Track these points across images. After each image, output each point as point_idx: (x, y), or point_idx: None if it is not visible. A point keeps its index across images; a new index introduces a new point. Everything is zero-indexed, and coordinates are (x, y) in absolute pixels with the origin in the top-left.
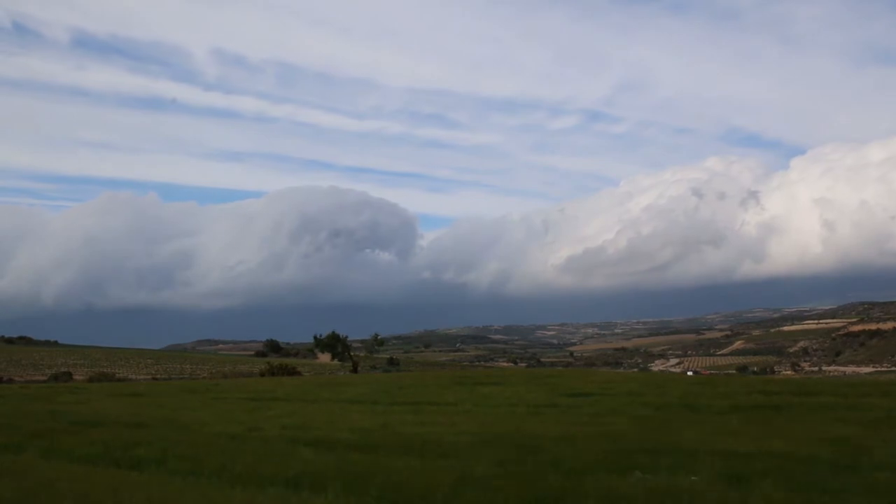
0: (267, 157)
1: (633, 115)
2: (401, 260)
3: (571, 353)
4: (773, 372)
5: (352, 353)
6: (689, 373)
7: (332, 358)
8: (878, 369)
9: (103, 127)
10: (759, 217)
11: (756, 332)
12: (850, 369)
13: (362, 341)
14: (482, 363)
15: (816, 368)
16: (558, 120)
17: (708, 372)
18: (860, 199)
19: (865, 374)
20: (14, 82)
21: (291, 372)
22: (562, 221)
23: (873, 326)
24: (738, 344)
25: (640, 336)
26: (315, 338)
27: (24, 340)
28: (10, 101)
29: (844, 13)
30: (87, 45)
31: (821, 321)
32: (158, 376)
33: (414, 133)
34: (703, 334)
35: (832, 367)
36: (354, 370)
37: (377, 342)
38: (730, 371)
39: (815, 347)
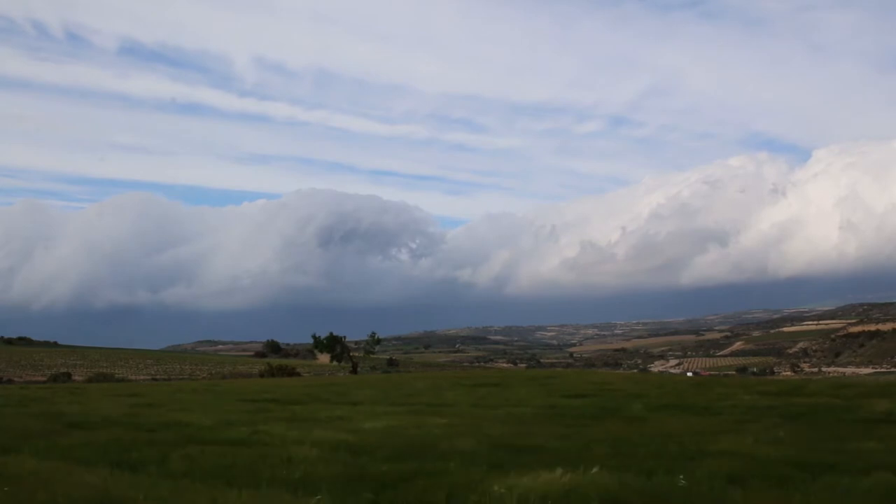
0: (293, 161)
1: (657, 119)
2: (403, 262)
3: (571, 354)
4: (772, 373)
5: (351, 354)
6: (689, 374)
7: (332, 359)
8: (878, 370)
9: (138, 131)
10: (766, 218)
11: (756, 333)
12: (849, 370)
13: (358, 342)
14: (482, 364)
15: (816, 369)
16: (584, 125)
17: (707, 373)
18: (874, 199)
19: (865, 374)
20: (58, 88)
21: (291, 373)
22: (567, 222)
23: (872, 327)
24: (737, 345)
25: (639, 337)
26: (314, 338)
27: (24, 341)
28: (51, 106)
29: (872, 21)
30: (134, 52)
31: (820, 322)
32: (158, 377)
33: (441, 137)
34: (703, 335)
35: (832, 368)
36: (354, 371)
37: (374, 341)
38: (729, 372)
39: (814, 348)
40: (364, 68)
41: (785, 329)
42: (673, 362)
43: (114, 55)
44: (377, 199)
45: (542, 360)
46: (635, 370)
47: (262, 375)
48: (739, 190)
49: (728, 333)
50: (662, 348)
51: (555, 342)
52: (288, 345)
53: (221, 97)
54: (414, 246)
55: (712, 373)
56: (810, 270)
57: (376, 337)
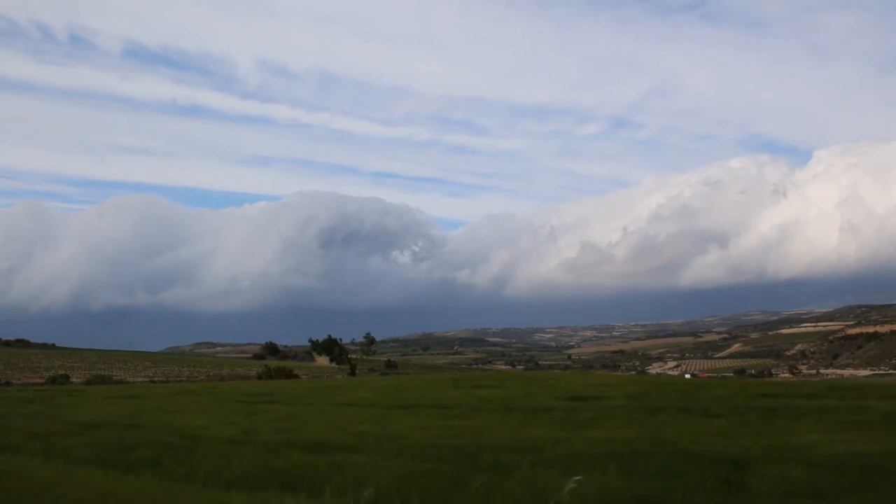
0: (294, 163)
1: (657, 121)
2: (402, 264)
3: (569, 356)
4: (770, 375)
5: (349, 356)
6: (687, 375)
7: (330, 361)
8: (876, 372)
9: (140, 133)
10: (766, 220)
11: (754, 335)
12: (847, 372)
13: (356, 343)
14: (480, 366)
15: (814, 371)
16: (585, 126)
17: (706, 375)
18: (875, 200)
19: (863, 376)
20: (61, 90)
21: (289, 375)
22: (567, 223)
23: (870, 329)
24: (735, 347)
25: (637, 339)
26: (311, 341)
27: (22, 343)
28: (53, 108)
29: (872, 22)
30: (138, 55)
31: (818, 324)
32: (156, 379)
33: (442, 139)
34: (701, 337)
35: (830, 370)
36: (352, 373)
37: (369, 342)
38: (727, 374)
39: (812, 350)
40: (366, 70)
41: (783, 331)
42: (671, 364)
43: (117, 58)
44: (379, 201)
45: (540, 362)
46: (633, 372)
47: (260, 377)
48: (740, 191)
49: (726, 335)
50: (660, 350)
51: (553, 344)
52: (286, 347)
53: (224, 99)
54: (417, 249)
55: (710, 375)
56: (810, 272)
57: (371, 338)
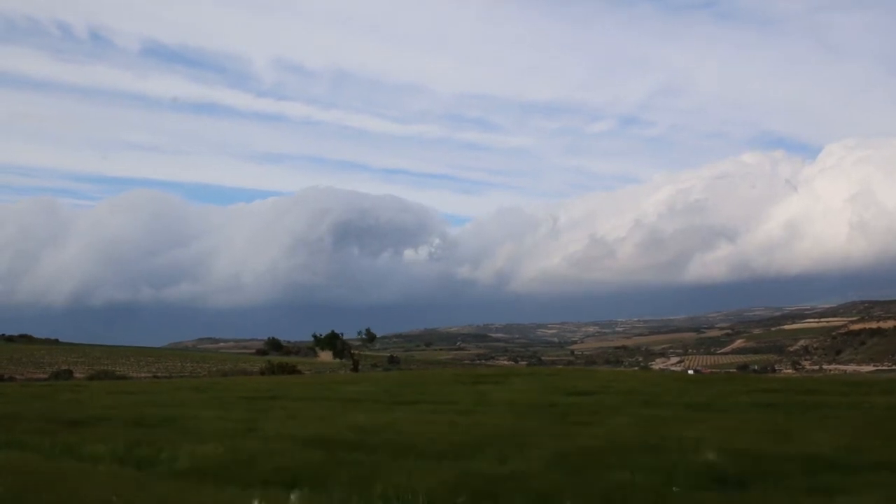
0: (305, 160)
1: (667, 119)
2: (406, 261)
3: (572, 352)
4: (773, 370)
5: (352, 352)
6: (690, 371)
7: (334, 356)
8: (879, 368)
9: (153, 130)
10: (774, 216)
11: (757, 331)
12: (850, 368)
13: (357, 337)
14: (483, 362)
15: (817, 367)
16: (595, 124)
17: (709, 370)
18: (885, 195)
19: (866, 372)
20: (77, 88)
21: (292, 370)
22: (573, 219)
23: (874, 325)
24: (738, 342)
25: (640, 334)
26: (314, 336)
27: (25, 338)
28: (69, 106)
29: (882, 21)
30: (156, 53)
31: (821, 319)
32: (159, 374)
33: (454, 136)
34: (704, 333)
35: (833, 366)
36: (355, 368)
37: (369, 337)
38: (731, 370)
39: (815, 346)
40: (379, 68)
41: (786, 327)
42: (674, 360)
43: (136, 56)
44: (394, 198)
45: (543, 358)
46: (636, 368)
47: (262, 373)
48: (749, 187)
49: (729, 331)
50: (663, 346)
51: (556, 340)
52: (289, 342)
53: (238, 97)
54: (433, 249)
55: (713, 370)
56: (815, 268)
57: (371, 333)
